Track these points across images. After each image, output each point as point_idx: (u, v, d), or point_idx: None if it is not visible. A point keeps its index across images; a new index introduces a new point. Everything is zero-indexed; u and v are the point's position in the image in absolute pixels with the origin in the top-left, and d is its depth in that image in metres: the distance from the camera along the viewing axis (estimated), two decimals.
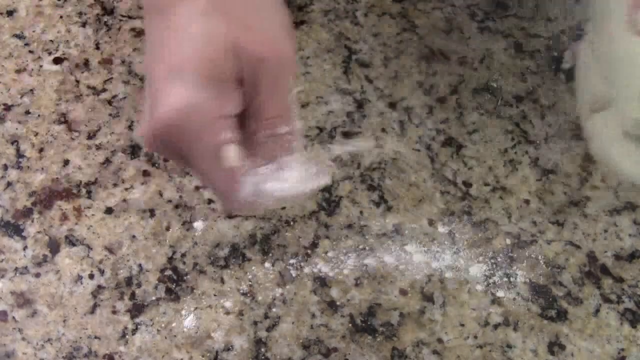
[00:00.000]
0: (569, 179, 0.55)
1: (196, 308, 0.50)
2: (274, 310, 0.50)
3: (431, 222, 0.53)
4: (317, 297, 0.50)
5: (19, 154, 0.54)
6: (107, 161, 0.54)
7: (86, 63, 0.57)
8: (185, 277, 0.51)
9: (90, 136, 0.55)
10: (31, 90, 0.56)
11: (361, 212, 0.53)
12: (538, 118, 0.57)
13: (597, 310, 0.50)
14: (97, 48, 0.58)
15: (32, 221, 0.52)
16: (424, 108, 0.57)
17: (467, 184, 0.55)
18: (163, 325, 0.49)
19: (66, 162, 0.54)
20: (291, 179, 0.37)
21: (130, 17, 0.59)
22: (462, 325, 0.50)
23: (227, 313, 0.50)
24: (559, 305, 0.51)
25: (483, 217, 0.53)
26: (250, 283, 0.51)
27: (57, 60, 0.57)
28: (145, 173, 0.54)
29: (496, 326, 0.50)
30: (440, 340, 0.49)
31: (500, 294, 0.51)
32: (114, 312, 0.50)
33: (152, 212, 0.53)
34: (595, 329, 0.50)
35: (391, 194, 0.54)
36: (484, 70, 0.59)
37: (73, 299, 0.50)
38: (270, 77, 0.35)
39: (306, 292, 0.50)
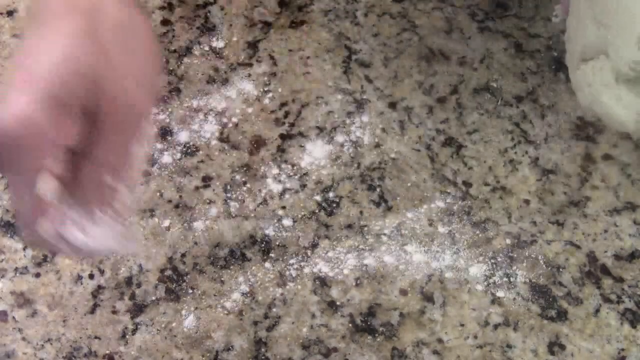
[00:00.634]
0: (569, 179, 0.55)
1: (196, 308, 0.50)
2: (274, 310, 0.50)
3: (431, 222, 0.53)
4: (317, 297, 0.50)
5: None
6: None
7: None
8: (185, 277, 0.51)
9: None
10: None
11: (361, 212, 0.53)
12: (538, 118, 0.57)
13: (597, 310, 0.50)
14: None
15: None
16: (424, 108, 0.57)
17: (467, 184, 0.55)
18: (163, 325, 0.49)
19: None
20: (96, 235, 0.35)
21: None
22: (462, 325, 0.50)
23: (227, 313, 0.50)
24: (559, 305, 0.51)
25: (483, 217, 0.53)
26: (250, 283, 0.51)
27: None
28: (145, 173, 0.54)
29: (496, 326, 0.50)
30: (440, 340, 0.49)
31: (500, 294, 0.51)
32: (114, 312, 0.50)
33: (152, 212, 0.53)
34: (595, 329, 0.50)
35: (391, 194, 0.54)
36: (484, 70, 0.59)
37: (73, 299, 0.50)
38: (115, 124, 0.34)
39: (306, 292, 0.50)
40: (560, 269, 0.52)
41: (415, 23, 0.61)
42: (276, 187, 0.54)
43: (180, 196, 0.53)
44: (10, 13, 0.60)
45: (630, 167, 0.55)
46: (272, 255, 0.52)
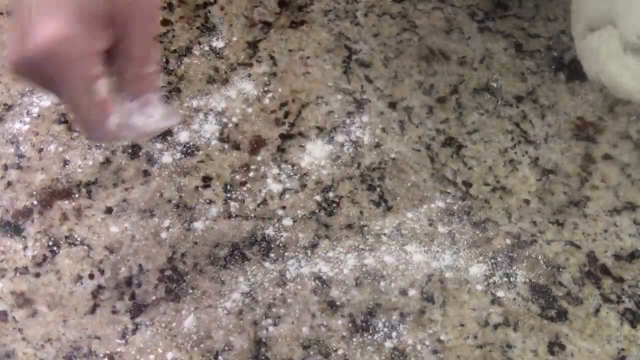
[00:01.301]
0: (569, 179, 0.55)
1: (196, 308, 0.50)
2: (274, 310, 0.50)
3: (431, 222, 0.53)
4: (317, 297, 0.50)
5: (19, 154, 0.54)
6: (107, 161, 0.54)
7: None
8: (185, 277, 0.51)
9: None
10: (31, 90, 0.56)
11: (361, 212, 0.53)
12: (538, 118, 0.57)
13: (597, 310, 0.50)
14: None
15: (32, 221, 0.52)
16: (424, 108, 0.57)
17: (467, 184, 0.55)
18: (163, 325, 0.49)
19: (66, 162, 0.54)
20: (155, 114, 0.41)
21: None
22: (462, 325, 0.50)
23: (227, 313, 0.50)
24: (559, 305, 0.51)
25: (483, 217, 0.53)
26: (250, 283, 0.51)
27: None
28: (145, 173, 0.54)
29: (496, 326, 0.50)
30: (440, 340, 0.49)
31: (500, 294, 0.51)
32: (114, 312, 0.50)
33: (152, 212, 0.53)
34: (595, 329, 0.50)
35: (391, 194, 0.54)
36: (484, 70, 0.59)
37: (73, 299, 0.50)
38: (140, 20, 0.38)
39: (306, 292, 0.50)
40: (560, 269, 0.52)
41: (415, 23, 0.61)
42: (276, 187, 0.54)
43: (180, 196, 0.53)
44: (10, 13, 0.59)
45: (630, 167, 0.55)
46: (272, 255, 0.52)
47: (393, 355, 0.49)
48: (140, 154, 0.54)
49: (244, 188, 0.54)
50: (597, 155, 0.56)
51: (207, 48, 0.59)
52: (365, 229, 0.53)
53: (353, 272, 0.51)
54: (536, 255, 0.52)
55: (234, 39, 0.60)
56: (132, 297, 0.50)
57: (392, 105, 0.57)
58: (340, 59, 0.59)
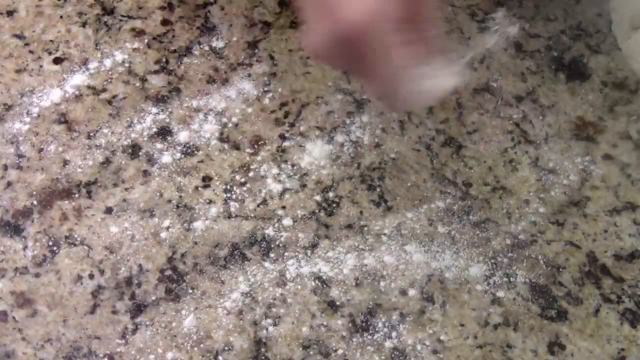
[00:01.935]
0: (569, 179, 0.55)
1: (196, 308, 0.50)
2: (274, 310, 0.50)
3: (431, 222, 0.53)
4: (317, 297, 0.50)
5: (19, 154, 0.54)
6: (107, 161, 0.54)
7: (86, 63, 0.57)
8: (185, 277, 0.51)
9: (90, 136, 0.55)
10: (31, 90, 0.56)
11: (361, 212, 0.53)
12: (538, 118, 0.57)
13: (597, 310, 0.50)
14: (97, 48, 0.58)
15: (32, 221, 0.52)
16: (424, 108, 0.57)
17: (467, 184, 0.55)
18: (163, 325, 0.49)
19: (66, 162, 0.54)
20: (441, 76, 0.42)
21: (130, 17, 0.59)
22: (462, 325, 0.50)
23: (227, 313, 0.50)
24: (559, 305, 0.51)
25: (483, 217, 0.53)
26: (250, 283, 0.51)
27: (57, 60, 0.57)
28: (145, 173, 0.54)
29: (496, 326, 0.50)
30: (440, 340, 0.49)
31: (500, 294, 0.51)
32: (114, 312, 0.50)
33: (152, 212, 0.53)
34: (595, 329, 0.50)
35: (391, 194, 0.54)
36: (484, 70, 0.59)
37: (73, 299, 0.50)
38: None
39: (306, 292, 0.50)
40: (560, 269, 0.52)
41: None
42: (276, 187, 0.54)
43: (180, 196, 0.53)
44: (10, 13, 0.59)
45: (630, 167, 0.55)
46: (272, 255, 0.52)
47: (393, 355, 0.48)
48: (140, 154, 0.54)
49: (244, 188, 0.54)
50: (597, 155, 0.56)
51: (207, 48, 0.59)
52: (365, 229, 0.53)
53: (353, 272, 0.51)
54: (536, 255, 0.52)
55: (234, 39, 0.60)
56: (132, 297, 0.50)
57: None
58: None
